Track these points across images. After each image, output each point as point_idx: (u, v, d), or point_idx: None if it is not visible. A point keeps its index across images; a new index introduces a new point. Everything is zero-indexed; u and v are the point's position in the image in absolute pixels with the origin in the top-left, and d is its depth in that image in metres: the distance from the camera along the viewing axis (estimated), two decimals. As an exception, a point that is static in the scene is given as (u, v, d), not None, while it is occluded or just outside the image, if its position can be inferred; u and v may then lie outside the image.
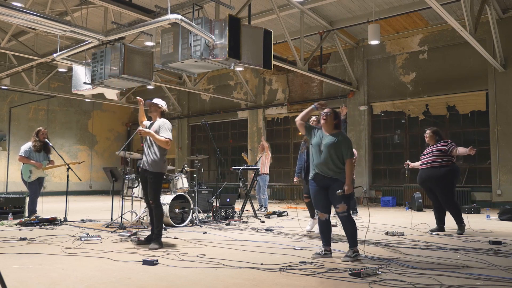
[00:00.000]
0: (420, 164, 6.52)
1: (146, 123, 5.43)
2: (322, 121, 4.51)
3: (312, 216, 6.49)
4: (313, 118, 6.50)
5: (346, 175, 4.27)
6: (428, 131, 6.55)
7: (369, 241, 5.22)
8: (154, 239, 4.94)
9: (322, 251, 4.41)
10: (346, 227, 4.33)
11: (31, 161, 7.58)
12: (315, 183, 4.44)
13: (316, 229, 6.29)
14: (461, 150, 6.22)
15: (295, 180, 6.51)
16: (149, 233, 5.26)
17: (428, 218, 8.21)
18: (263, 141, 10.12)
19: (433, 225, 6.59)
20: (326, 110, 4.53)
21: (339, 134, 4.43)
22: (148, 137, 5.19)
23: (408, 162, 6.90)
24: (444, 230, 6.32)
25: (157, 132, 5.12)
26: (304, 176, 6.45)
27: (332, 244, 5.14)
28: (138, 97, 5.82)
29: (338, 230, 6.41)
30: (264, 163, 9.97)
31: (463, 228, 6.15)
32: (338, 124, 4.49)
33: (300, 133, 15.18)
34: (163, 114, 5.35)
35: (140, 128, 5.19)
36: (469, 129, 11.86)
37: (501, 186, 10.99)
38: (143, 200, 5.52)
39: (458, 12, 10.24)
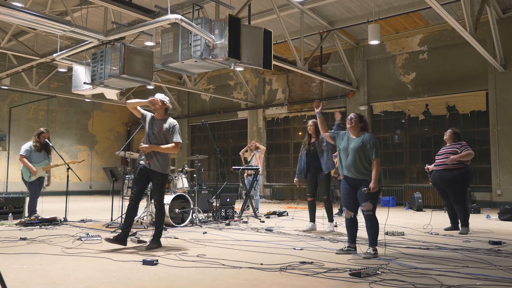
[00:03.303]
0: (434, 165, 6.54)
1: (147, 114, 5.10)
2: (348, 126, 4.64)
3: (312, 220, 6.51)
4: (310, 122, 6.62)
5: (372, 173, 4.38)
6: (449, 131, 6.57)
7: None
8: (153, 239, 4.88)
9: (345, 247, 4.57)
10: (369, 226, 4.44)
11: (29, 164, 7.53)
12: (346, 182, 4.60)
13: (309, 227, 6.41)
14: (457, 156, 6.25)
15: (295, 180, 6.67)
16: (149, 233, 5.14)
17: (427, 217, 8.20)
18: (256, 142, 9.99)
19: (435, 225, 6.61)
20: (351, 115, 4.67)
21: (364, 136, 4.55)
22: (154, 135, 4.95)
23: (427, 166, 6.79)
24: (459, 229, 6.37)
25: (166, 133, 4.95)
26: (304, 177, 6.58)
27: (331, 244, 5.14)
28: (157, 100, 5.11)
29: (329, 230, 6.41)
30: (258, 162, 9.73)
31: (466, 230, 6.16)
32: (364, 127, 4.63)
33: (300, 133, 15.20)
34: (167, 111, 5.15)
35: (142, 145, 4.90)
36: (469, 129, 11.85)
37: (501, 186, 10.98)
38: (129, 197, 5.07)
39: (458, 12, 10.24)
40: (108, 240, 4.79)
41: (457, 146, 6.34)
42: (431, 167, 6.73)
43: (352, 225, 4.61)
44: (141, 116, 5.11)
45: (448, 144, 6.51)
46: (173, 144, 4.94)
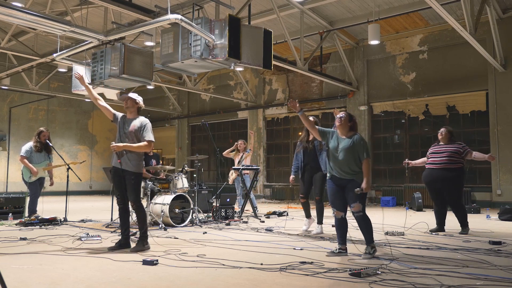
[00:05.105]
0: (430, 163, 6.42)
1: (118, 114, 5.06)
2: (337, 124, 4.56)
3: (308, 216, 6.47)
4: (311, 118, 6.52)
5: (364, 174, 4.37)
6: (444, 130, 6.44)
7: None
8: (139, 241, 4.75)
9: (336, 249, 4.50)
10: (362, 225, 4.43)
11: (30, 165, 7.54)
12: (333, 182, 4.54)
13: (313, 228, 6.32)
14: (478, 155, 6.26)
15: (291, 178, 6.53)
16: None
17: (427, 217, 8.20)
18: (252, 137, 9.75)
19: (432, 225, 6.59)
20: (340, 114, 4.60)
21: (355, 136, 4.49)
22: (125, 135, 4.87)
23: (407, 160, 6.80)
24: (444, 231, 6.33)
25: (137, 131, 4.83)
26: (300, 176, 6.47)
27: (331, 244, 5.14)
28: (75, 73, 5.18)
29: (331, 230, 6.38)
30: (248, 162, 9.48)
31: (467, 230, 6.15)
32: (353, 126, 4.56)
33: (300, 133, 15.19)
34: (139, 111, 5.02)
35: (113, 143, 4.79)
36: (469, 129, 11.85)
37: (501, 186, 10.98)
38: (116, 202, 5.07)
39: (458, 12, 10.24)
40: (112, 249, 4.71)
41: (458, 146, 6.27)
42: (414, 162, 6.72)
43: (342, 226, 4.54)
44: (112, 117, 5.03)
45: (444, 144, 6.38)
46: (145, 143, 4.82)
